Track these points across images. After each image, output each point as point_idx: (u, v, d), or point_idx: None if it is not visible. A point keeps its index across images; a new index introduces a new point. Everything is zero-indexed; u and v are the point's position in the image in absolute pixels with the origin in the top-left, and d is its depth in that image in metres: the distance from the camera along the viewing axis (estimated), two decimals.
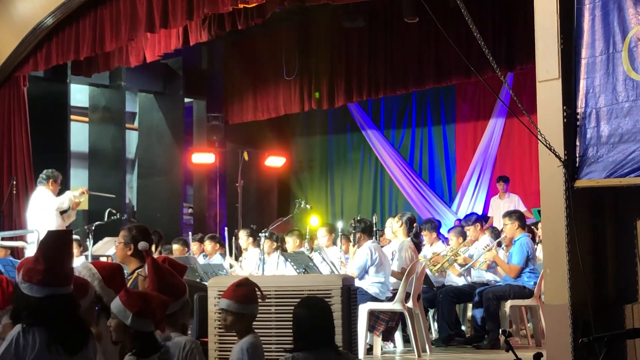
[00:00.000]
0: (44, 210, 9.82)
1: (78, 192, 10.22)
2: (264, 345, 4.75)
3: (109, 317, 4.08)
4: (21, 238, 10.20)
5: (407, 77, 12.71)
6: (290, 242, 10.34)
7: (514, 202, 13.16)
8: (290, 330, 4.35)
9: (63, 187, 10.53)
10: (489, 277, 9.29)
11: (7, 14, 10.87)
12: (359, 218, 8.75)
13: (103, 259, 9.52)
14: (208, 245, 11.63)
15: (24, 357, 3.55)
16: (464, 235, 9.79)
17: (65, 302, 3.71)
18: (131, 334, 3.90)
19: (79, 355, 3.67)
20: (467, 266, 9.37)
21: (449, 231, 10.46)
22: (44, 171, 10.11)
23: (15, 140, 11.27)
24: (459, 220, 12.22)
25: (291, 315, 4.38)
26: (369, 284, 8.15)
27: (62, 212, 10.00)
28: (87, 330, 3.79)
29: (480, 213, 13.68)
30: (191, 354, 4.21)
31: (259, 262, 10.05)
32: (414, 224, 8.92)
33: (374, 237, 8.55)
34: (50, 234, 3.86)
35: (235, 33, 11.89)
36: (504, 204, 13.13)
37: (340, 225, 9.63)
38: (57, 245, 3.77)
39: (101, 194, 10.10)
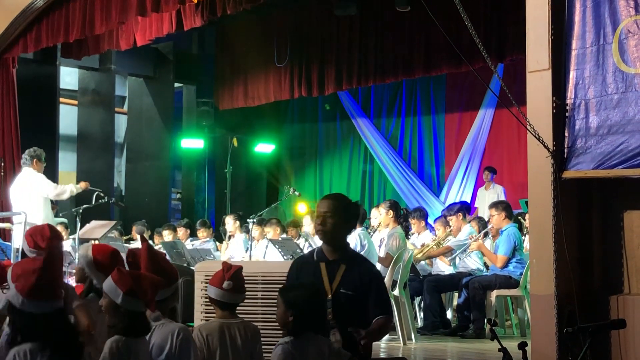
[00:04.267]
0: (32, 193, 9.68)
1: (81, 186, 10.07)
2: None
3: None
4: (8, 220, 10.14)
5: (397, 66, 12.68)
6: (271, 232, 10.33)
7: (497, 193, 13.18)
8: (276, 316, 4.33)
9: (51, 170, 10.47)
10: (473, 266, 9.31)
11: None
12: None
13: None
14: (203, 231, 11.62)
15: None
16: (449, 224, 9.80)
17: (55, 316, 3.58)
18: (122, 314, 3.88)
19: None
20: (453, 255, 9.39)
21: (434, 221, 10.45)
22: (26, 151, 9.70)
23: (3, 122, 11.21)
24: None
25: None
26: None
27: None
28: (79, 342, 3.65)
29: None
30: (185, 340, 4.20)
31: (246, 247, 10.06)
32: (401, 208, 8.95)
33: (362, 226, 8.58)
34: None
35: (227, 19, 11.84)
36: (489, 194, 13.16)
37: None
38: (56, 261, 3.68)
39: (97, 190, 9.94)
